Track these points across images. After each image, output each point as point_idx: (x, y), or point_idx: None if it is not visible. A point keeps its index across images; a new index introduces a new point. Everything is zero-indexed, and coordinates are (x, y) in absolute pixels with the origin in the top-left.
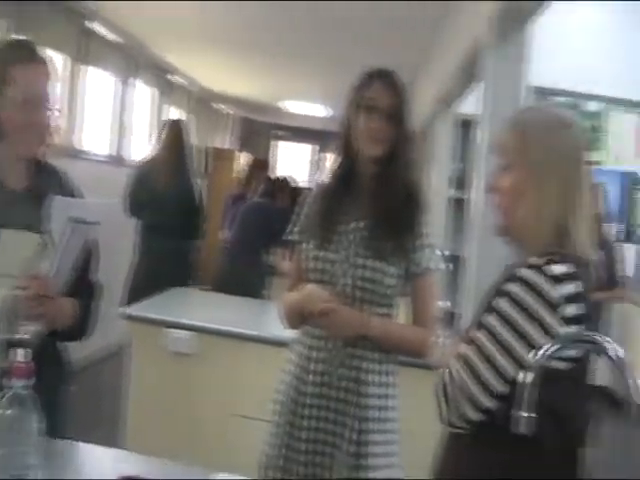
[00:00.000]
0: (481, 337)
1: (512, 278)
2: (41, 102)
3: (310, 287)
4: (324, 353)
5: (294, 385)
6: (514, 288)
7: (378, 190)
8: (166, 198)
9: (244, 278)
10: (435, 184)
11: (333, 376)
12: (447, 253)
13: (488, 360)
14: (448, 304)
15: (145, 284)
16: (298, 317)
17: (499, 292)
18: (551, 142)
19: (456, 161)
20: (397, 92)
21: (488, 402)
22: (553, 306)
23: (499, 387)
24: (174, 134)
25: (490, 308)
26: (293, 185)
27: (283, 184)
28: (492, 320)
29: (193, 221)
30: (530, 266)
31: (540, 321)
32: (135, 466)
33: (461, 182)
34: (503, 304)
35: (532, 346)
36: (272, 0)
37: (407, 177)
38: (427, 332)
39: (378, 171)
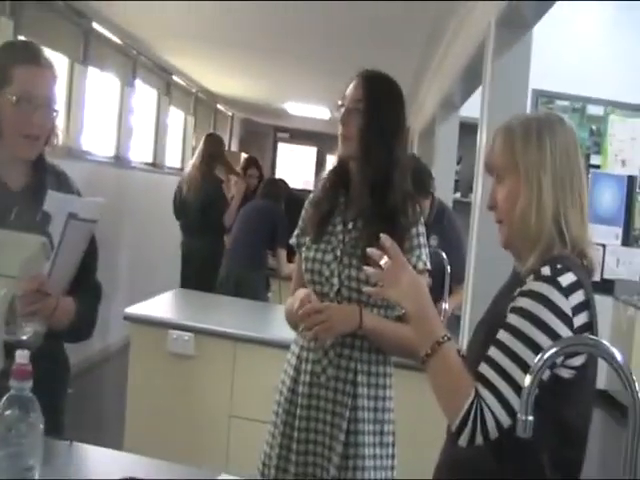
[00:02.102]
0: (498, 355)
1: (524, 293)
2: (41, 103)
3: (300, 291)
4: (316, 354)
5: (289, 386)
6: (528, 303)
7: (366, 191)
8: (193, 202)
9: (245, 280)
10: (439, 187)
11: (325, 377)
12: (444, 256)
13: (507, 378)
14: (447, 306)
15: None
16: (293, 320)
17: (512, 309)
18: (538, 143)
19: (459, 164)
20: (365, 89)
21: (509, 421)
22: (567, 318)
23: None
24: (208, 146)
25: (505, 325)
26: (288, 187)
27: (279, 185)
28: (507, 337)
29: (215, 223)
30: (540, 277)
31: (557, 335)
32: (134, 467)
33: (464, 185)
34: (518, 321)
35: None
36: (275, 0)
37: (393, 177)
38: None
39: (365, 172)
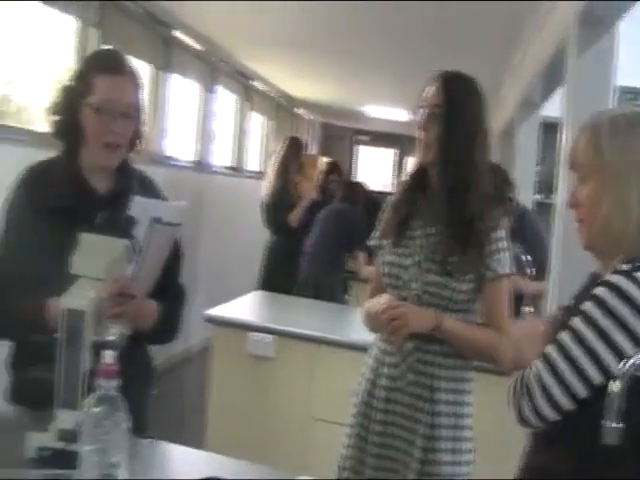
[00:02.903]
0: (566, 339)
1: (601, 283)
2: (121, 112)
3: (382, 297)
4: (395, 358)
5: (367, 389)
6: (603, 293)
7: (445, 195)
8: (266, 202)
9: (324, 283)
10: (519, 188)
11: (403, 381)
12: (530, 258)
13: (572, 363)
14: (532, 310)
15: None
16: (372, 324)
17: (588, 296)
18: (624, 144)
19: (539, 164)
20: (445, 92)
21: (568, 404)
22: None
23: (581, 391)
24: (285, 148)
25: (578, 311)
26: (367, 190)
27: (357, 188)
28: (579, 323)
29: (282, 222)
30: (619, 272)
31: (630, 330)
32: (215, 466)
33: (545, 186)
34: (591, 308)
35: (619, 354)
36: (353, 1)
37: (473, 181)
38: (500, 337)
39: (445, 176)
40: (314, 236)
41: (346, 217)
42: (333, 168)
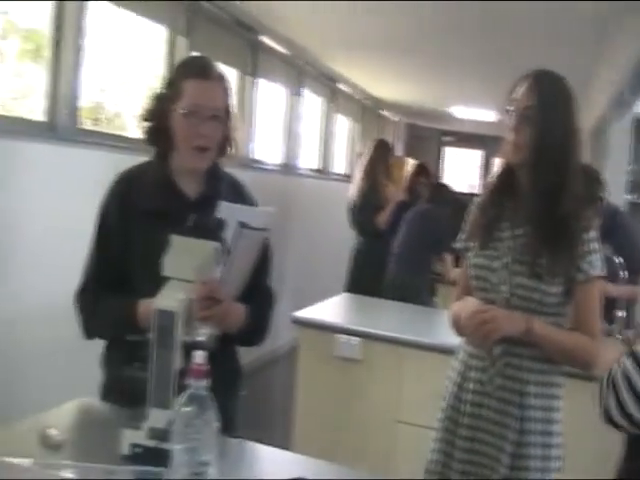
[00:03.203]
0: None
1: None
2: (209, 115)
3: (468, 299)
4: (484, 362)
5: (455, 393)
6: None
7: (536, 196)
8: (354, 204)
9: (410, 284)
10: (611, 188)
11: (492, 386)
12: (621, 260)
13: None
14: (624, 314)
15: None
16: (459, 327)
17: None
18: None
19: (632, 163)
20: (536, 93)
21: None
22: None
23: None
24: (373, 150)
25: None
26: (454, 191)
27: (444, 190)
28: None
29: (369, 224)
30: None
31: None
32: (302, 467)
33: (638, 186)
34: None
35: None
36: (438, 1)
37: (565, 182)
38: (593, 342)
39: (536, 177)
40: (401, 237)
41: (432, 218)
42: (421, 170)
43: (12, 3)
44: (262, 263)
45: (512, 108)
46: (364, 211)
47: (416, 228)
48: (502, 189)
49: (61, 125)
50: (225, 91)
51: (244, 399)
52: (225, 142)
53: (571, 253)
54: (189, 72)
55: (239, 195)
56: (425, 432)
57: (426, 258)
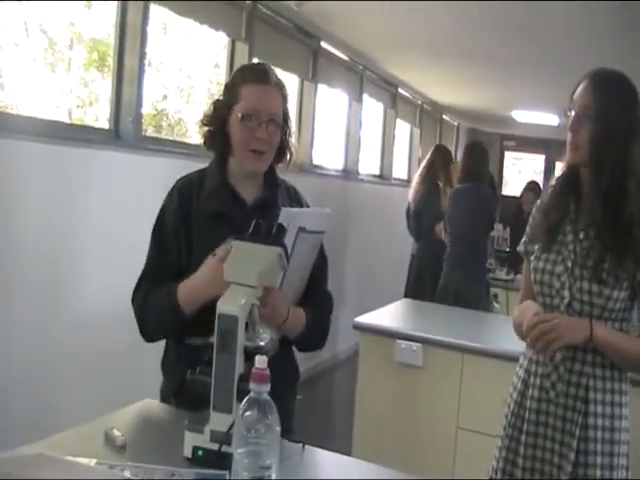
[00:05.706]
0: None
1: None
2: (265, 119)
3: (526, 302)
4: (546, 368)
5: (517, 400)
6: None
7: (598, 200)
8: (413, 210)
9: (466, 290)
10: None
11: (554, 392)
12: None
13: None
14: None
15: None
16: (522, 333)
17: None
18: None
19: None
20: (595, 92)
21: None
22: None
23: None
24: (433, 156)
25: None
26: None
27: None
28: None
29: (427, 230)
30: None
31: None
32: (362, 473)
33: None
34: None
35: None
36: (498, 1)
37: (628, 185)
38: None
39: (597, 180)
40: (448, 221)
41: (482, 196)
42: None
43: (78, 14)
44: (319, 267)
45: (571, 108)
46: (422, 217)
47: (471, 206)
48: (565, 191)
49: (125, 132)
50: (282, 97)
51: (305, 403)
52: (282, 147)
53: (635, 257)
54: (247, 77)
55: (294, 200)
56: (486, 439)
57: (482, 238)
